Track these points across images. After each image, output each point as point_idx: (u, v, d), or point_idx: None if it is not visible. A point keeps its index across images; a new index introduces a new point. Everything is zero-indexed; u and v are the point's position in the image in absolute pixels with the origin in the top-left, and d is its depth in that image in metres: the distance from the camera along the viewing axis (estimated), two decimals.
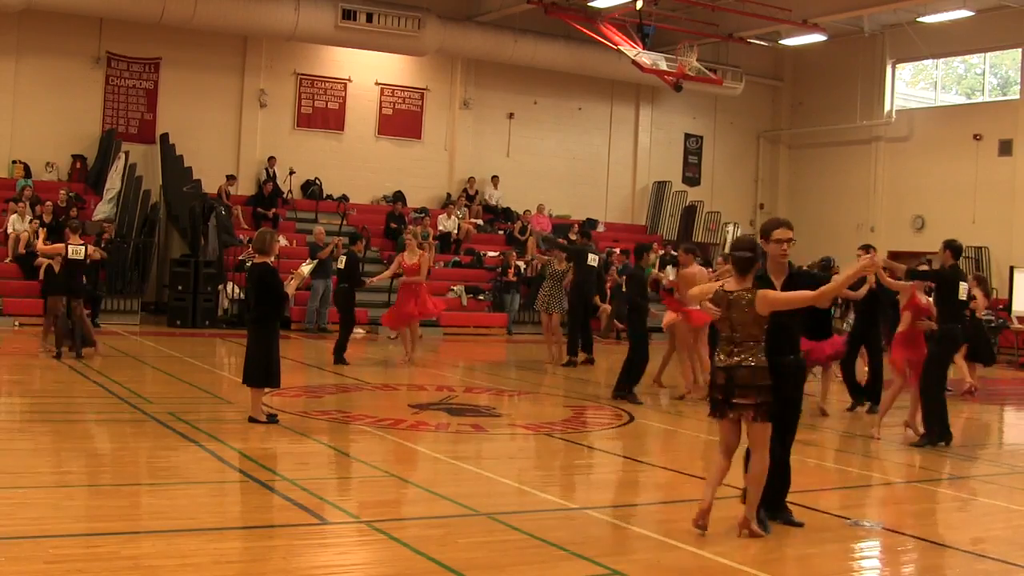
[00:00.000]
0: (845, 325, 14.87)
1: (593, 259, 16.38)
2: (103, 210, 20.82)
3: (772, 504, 6.67)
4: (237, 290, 19.78)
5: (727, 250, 12.85)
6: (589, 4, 22.37)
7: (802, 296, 6.40)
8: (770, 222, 6.82)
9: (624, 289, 13.01)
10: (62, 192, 20.82)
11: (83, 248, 14.08)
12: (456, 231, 24.75)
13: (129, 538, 5.89)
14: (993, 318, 20.23)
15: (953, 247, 10.56)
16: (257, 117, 24.19)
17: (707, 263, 24.19)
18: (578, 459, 9.36)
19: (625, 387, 12.40)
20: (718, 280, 12.76)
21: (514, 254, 23.52)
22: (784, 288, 6.54)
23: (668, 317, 13.37)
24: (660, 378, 13.80)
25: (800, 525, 6.71)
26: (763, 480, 6.39)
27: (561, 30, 24.50)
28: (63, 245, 14.16)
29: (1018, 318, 22.66)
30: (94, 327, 18.35)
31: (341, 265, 15.36)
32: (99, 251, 15.18)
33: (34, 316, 18.32)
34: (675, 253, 23.30)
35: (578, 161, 28.02)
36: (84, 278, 14.58)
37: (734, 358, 6.36)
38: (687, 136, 29.91)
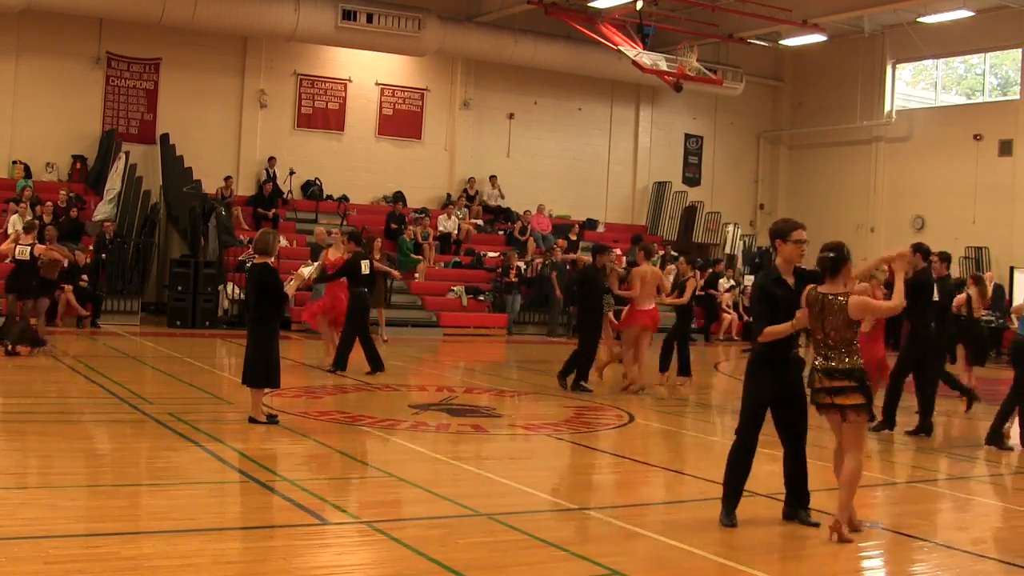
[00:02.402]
0: None
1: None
2: (103, 210, 20.83)
3: (799, 499, 6.78)
4: (237, 291, 19.77)
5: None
6: (589, 4, 22.37)
7: (893, 304, 6.65)
8: (787, 223, 6.89)
9: (578, 289, 13.47)
10: (62, 192, 20.83)
11: (28, 248, 13.85)
12: (456, 231, 24.75)
13: (129, 538, 5.89)
14: (993, 318, 20.19)
15: (922, 249, 10.91)
16: (257, 117, 24.19)
17: (707, 263, 24.35)
18: (578, 459, 9.36)
19: (577, 381, 13.11)
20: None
21: (515, 255, 23.52)
22: (796, 285, 6.70)
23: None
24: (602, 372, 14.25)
25: (816, 525, 6.70)
26: (857, 481, 6.49)
27: (561, 30, 24.50)
28: (14, 245, 14.03)
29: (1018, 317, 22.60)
30: (94, 327, 18.49)
31: (366, 271, 13.90)
32: (55, 250, 14.47)
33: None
34: (675, 254, 23.34)
35: (578, 161, 28.01)
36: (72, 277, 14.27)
37: (831, 362, 6.47)
38: (687, 136, 29.91)
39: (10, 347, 13.67)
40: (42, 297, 14.44)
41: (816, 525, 6.68)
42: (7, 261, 14.53)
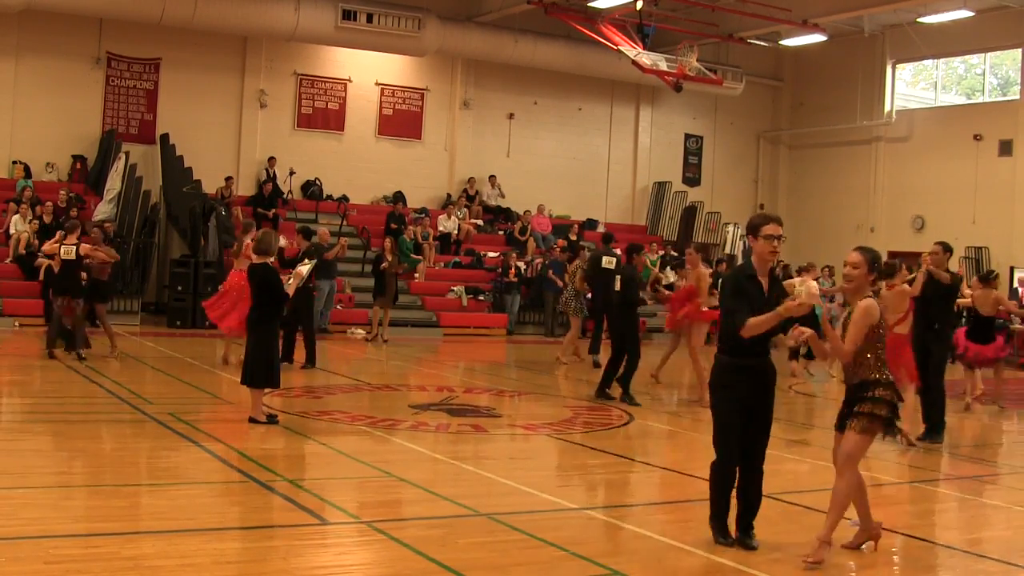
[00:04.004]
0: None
1: (609, 262, 15.65)
2: (103, 211, 20.81)
3: (745, 521, 6.23)
4: None
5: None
6: (589, 4, 22.36)
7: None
8: (758, 217, 6.27)
9: (618, 289, 13.05)
10: (62, 192, 20.82)
11: (74, 248, 13.97)
12: (456, 231, 24.75)
13: (129, 538, 5.89)
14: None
15: (949, 248, 11.00)
16: (257, 117, 24.18)
17: (707, 263, 24.31)
18: (578, 459, 9.36)
19: (624, 389, 12.37)
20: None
21: (514, 255, 23.51)
22: (769, 287, 6.15)
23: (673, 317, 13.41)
24: (658, 374, 14.06)
25: (755, 548, 6.16)
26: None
27: (561, 30, 24.49)
28: (58, 245, 14.12)
29: (1020, 318, 22.60)
30: (93, 327, 18.45)
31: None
32: (102, 251, 14.74)
33: (34, 317, 18.34)
34: (675, 254, 23.35)
35: (578, 161, 28.01)
36: (86, 277, 14.40)
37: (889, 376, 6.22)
38: (687, 136, 29.90)
39: (77, 353, 13.77)
40: (96, 302, 14.49)
41: (755, 548, 6.13)
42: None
